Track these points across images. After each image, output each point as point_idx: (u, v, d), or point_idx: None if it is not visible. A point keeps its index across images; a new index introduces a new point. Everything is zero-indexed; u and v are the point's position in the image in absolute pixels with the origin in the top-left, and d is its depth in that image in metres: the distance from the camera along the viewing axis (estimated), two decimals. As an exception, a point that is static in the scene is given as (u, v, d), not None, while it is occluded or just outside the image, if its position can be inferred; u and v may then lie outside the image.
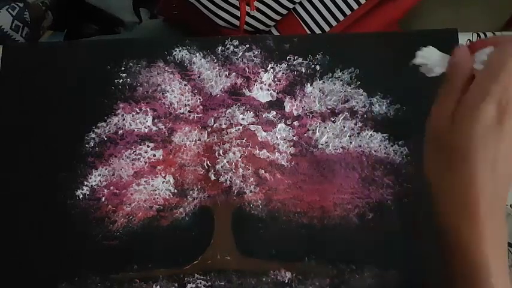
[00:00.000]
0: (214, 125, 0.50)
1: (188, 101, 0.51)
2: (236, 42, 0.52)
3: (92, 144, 0.49)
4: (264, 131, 0.50)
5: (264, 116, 0.50)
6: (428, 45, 0.35)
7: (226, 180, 0.48)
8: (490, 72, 0.30)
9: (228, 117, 0.50)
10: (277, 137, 0.50)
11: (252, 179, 0.49)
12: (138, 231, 0.47)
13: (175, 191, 0.48)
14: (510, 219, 0.49)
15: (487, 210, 0.30)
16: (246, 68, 0.51)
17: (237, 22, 0.63)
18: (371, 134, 0.50)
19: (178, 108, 0.50)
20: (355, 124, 0.50)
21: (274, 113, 0.50)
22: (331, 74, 0.51)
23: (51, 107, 0.50)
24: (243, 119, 0.50)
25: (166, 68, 0.51)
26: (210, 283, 0.46)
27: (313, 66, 0.52)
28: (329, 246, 0.47)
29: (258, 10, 0.63)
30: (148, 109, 0.50)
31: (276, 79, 0.51)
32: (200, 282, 0.46)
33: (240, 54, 0.52)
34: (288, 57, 0.52)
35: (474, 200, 0.30)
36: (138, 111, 0.50)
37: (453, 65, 0.33)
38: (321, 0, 0.64)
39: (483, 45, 0.32)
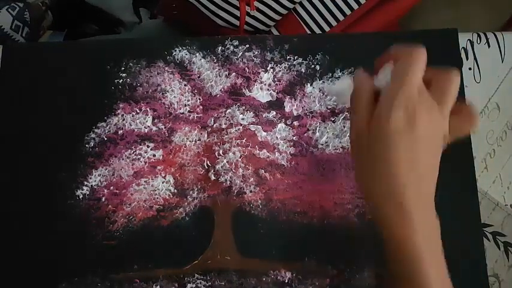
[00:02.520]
0: (214, 125, 0.50)
1: (188, 101, 0.51)
2: (236, 42, 0.52)
3: (92, 144, 0.49)
4: (264, 131, 0.50)
5: (264, 116, 0.50)
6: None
7: (226, 180, 0.48)
8: (394, 84, 0.34)
9: (228, 117, 0.50)
10: (277, 137, 0.50)
11: (252, 179, 0.49)
12: (138, 231, 0.47)
13: (175, 191, 0.48)
14: (510, 219, 0.49)
15: (414, 206, 0.33)
16: (246, 68, 0.51)
17: (237, 22, 0.64)
18: (371, 134, 0.49)
19: (178, 108, 0.50)
20: (355, 124, 0.50)
21: (274, 113, 0.50)
22: (331, 74, 0.51)
23: (51, 107, 0.50)
24: (243, 119, 0.50)
25: (166, 68, 0.51)
26: (210, 283, 0.46)
27: (313, 66, 0.52)
28: (329, 246, 0.47)
29: (258, 10, 0.63)
30: (148, 109, 0.50)
31: (276, 79, 0.51)
32: (200, 282, 0.46)
33: (240, 54, 0.52)
34: (288, 57, 0.52)
35: (401, 198, 0.33)
36: (138, 111, 0.50)
37: (355, 87, 0.37)
38: (321, 0, 0.64)
39: (384, 61, 0.37)
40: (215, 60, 0.52)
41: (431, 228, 0.35)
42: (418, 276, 0.34)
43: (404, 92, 0.33)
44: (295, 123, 0.50)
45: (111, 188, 0.48)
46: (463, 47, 0.53)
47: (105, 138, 0.49)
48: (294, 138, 0.50)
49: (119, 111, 0.50)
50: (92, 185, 0.48)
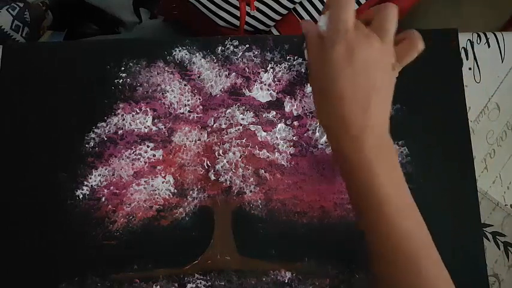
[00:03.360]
0: (214, 125, 0.50)
1: (188, 101, 0.51)
2: (236, 42, 0.52)
3: (92, 144, 0.49)
4: (264, 131, 0.50)
5: (264, 116, 0.50)
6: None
7: (226, 180, 0.48)
8: (330, 23, 0.37)
9: (228, 117, 0.50)
10: (277, 137, 0.50)
11: (252, 179, 0.49)
12: (138, 231, 0.47)
13: (175, 191, 0.48)
14: (510, 219, 0.49)
15: (361, 131, 0.36)
16: (246, 68, 0.51)
17: (237, 22, 0.64)
18: (371, 134, 0.49)
19: (178, 108, 0.50)
20: (355, 124, 0.50)
21: (274, 113, 0.50)
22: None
23: (51, 107, 0.50)
24: (243, 119, 0.50)
25: (166, 68, 0.51)
26: (210, 283, 0.46)
27: (313, 66, 0.52)
28: (329, 246, 0.47)
29: (258, 10, 0.63)
30: (148, 109, 0.50)
31: (276, 79, 0.51)
32: (200, 282, 0.46)
33: (240, 54, 0.52)
34: (288, 57, 0.52)
35: (347, 125, 0.36)
36: (138, 111, 0.50)
37: (304, 34, 0.41)
38: (321, 0, 0.64)
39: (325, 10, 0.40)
40: (215, 60, 0.52)
41: (382, 145, 0.37)
42: (373, 190, 0.36)
43: (339, 27, 0.36)
44: (295, 123, 0.50)
45: (111, 188, 0.48)
46: (463, 47, 0.53)
47: (105, 138, 0.49)
48: (294, 138, 0.50)
49: (119, 111, 0.50)
50: (92, 185, 0.48)
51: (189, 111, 0.50)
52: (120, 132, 0.50)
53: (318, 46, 0.38)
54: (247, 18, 0.63)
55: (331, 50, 0.36)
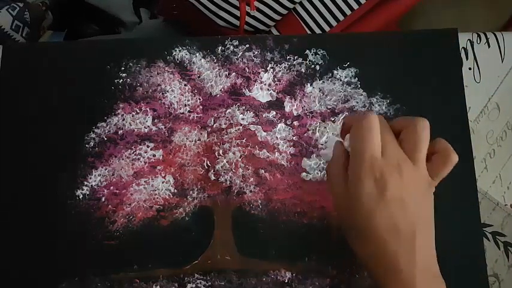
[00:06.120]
0: (214, 125, 0.50)
1: (188, 101, 0.51)
2: (236, 42, 0.52)
3: (92, 144, 0.49)
4: (264, 131, 0.50)
5: (264, 116, 0.50)
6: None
7: (226, 180, 0.48)
8: (354, 159, 0.34)
9: (228, 117, 0.50)
10: (277, 137, 0.50)
11: (252, 179, 0.49)
12: (138, 231, 0.47)
13: (175, 191, 0.48)
14: (510, 219, 0.49)
15: (411, 274, 0.33)
16: (246, 68, 0.51)
17: (237, 22, 0.64)
18: (371, 134, 0.49)
19: (178, 108, 0.50)
20: (355, 124, 0.50)
21: (274, 113, 0.50)
22: (331, 74, 0.51)
23: (51, 107, 0.50)
24: (243, 119, 0.50)
25: (166, 68, 0.51)
26: (210, 283, 0.46)
27: (313, 66, 0.52)
28: (329, 246, 0.47)
29: (258, 10, 0.63)
30: (148, 109, 0.50)
31: (276, 79, 0.51)
32: (200, 282, 0.46)
33: (240, 54, 0.52)
34: (288, 57, 0.52)
35: (394, 265, 0.33)
36: (138, 111, 0.50)
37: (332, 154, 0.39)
38: (321, 0, 0.64)
39: (345, 129, 0.38)
40: (215, 60, 0.52)
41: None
42: None
43: (365, 164, 0.33)
44: (295, 123, 0.50)
45: (111, 188, 0.48)
46: (463, 47, 0.53)
47: (105, 138, 0.49)
48: (294, 138, 0.50)
49: (119, 111, 0.50)
50: (92, 185, 0.48)
51: (189, 111, 0.50)
52: (120, 132, 0.50)
53: (342, 177, 0.35)
54: (247, 18, 0.63)
55: (360, 185, 0.33)
